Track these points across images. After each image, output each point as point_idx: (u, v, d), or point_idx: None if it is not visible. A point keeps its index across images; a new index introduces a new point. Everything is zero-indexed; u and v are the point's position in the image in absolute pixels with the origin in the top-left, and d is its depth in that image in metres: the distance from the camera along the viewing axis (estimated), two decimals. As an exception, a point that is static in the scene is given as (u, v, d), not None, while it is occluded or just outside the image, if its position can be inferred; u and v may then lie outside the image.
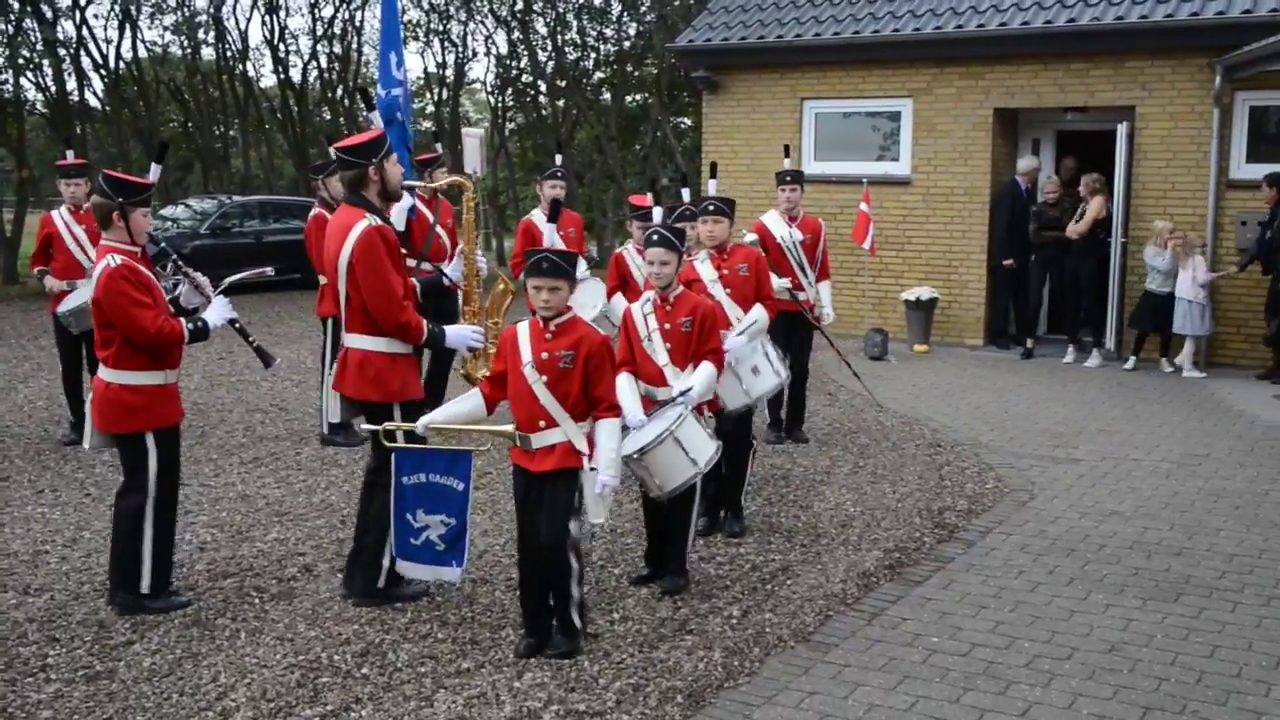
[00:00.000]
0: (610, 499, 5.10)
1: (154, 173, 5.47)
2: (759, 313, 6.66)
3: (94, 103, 25.92)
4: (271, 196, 23.88)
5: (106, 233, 5.28)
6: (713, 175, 7.11)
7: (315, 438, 8.96)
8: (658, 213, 6.36)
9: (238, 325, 5.56)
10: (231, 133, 27.85)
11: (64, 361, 8.88)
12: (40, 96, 24.61)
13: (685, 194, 7.08)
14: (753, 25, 15.38)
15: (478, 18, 27.57)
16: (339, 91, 28.24)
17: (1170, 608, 5.61)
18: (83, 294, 8.41)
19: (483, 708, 4.51)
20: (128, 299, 5.12)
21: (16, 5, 21.51)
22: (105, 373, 5.30)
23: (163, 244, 5.53)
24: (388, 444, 5.28)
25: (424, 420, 5.18)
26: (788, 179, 8.58)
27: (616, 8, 26.69)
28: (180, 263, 5.55)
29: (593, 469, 4.95)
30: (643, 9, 25.69)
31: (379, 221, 5.29)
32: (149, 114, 26.04)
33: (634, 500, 6.79)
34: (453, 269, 5.97)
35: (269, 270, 6.18)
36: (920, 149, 14.31)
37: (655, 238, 5.79)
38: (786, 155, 9.73)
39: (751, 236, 8.20)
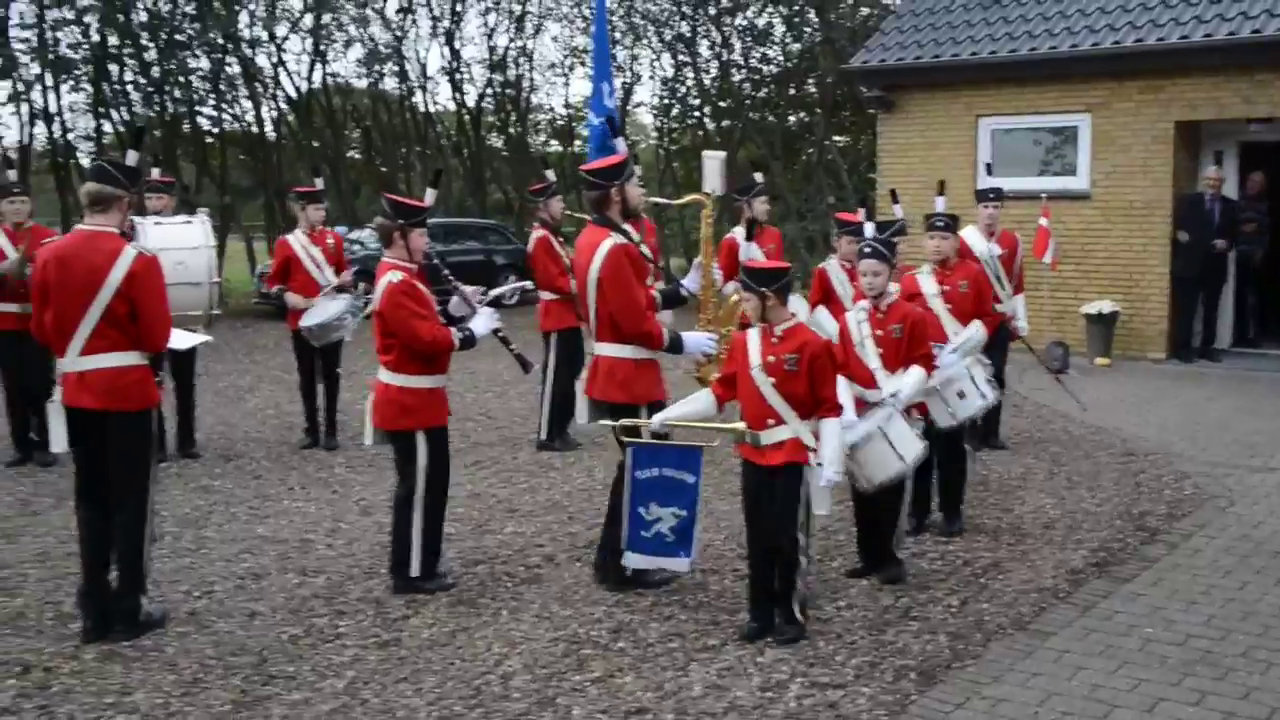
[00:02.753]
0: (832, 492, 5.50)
1: (430, 197, 6.11)
2: (975, 329, 6.97)
3: (282, 130, 27.37)
4: (449, 219, 24.89)
5: (388, 251, 5.92)
6: (940, 193, 7.46)
7: (528, 443, 9.57)
8: (869, 228, 6.77)
9: (500, 334, 6.13)
10: (412, 158, 29.08)
11: (301, 372, 9.61)
12: (236, 126, 26.15)
13: (899, 210, 7.45)
14: (927, 45, 15.66)
15: (644, 41, 28.30)
16: (511, 117, 29.26)
17: (1384, 606, 5.77)
18: (322, 310, 9.16)
19: (734, 678, 4.97)
20: (407, 311, 5.74)
21: (221, 40, 23.00)
22: (385, 375, 5.92)
23: (436, 260, 6.14)
24: (626, 439, 5.75)
25: (658, 418, 5.66)
26: (990, 196, 8.88)
27: (780, 29, 27.15)
28: (451, 277, 6.15)
29: (818, 464, 5.37)
30: (807, 30, 26.06)
31: (623, 239, 5.81)
32: (335, 140, 27.41)
33: (840, 502, 7.17)
34: (690, 280, 6.46)
35: (528, 284, 6.74)
36: (1099, 163, 14.37)
37: (868, 250, 6.21)
38: (990, 173, 10.04)
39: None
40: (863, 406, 6.13)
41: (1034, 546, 6.78)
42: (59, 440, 5.42)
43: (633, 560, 5.83)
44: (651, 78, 29.62)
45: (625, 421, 5.75)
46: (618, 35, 28.17)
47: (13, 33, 21.59)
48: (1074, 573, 6.32)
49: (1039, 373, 11.14)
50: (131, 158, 5.59)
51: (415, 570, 5.98)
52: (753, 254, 8.75)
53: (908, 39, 15.96)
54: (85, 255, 5.24)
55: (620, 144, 6.32)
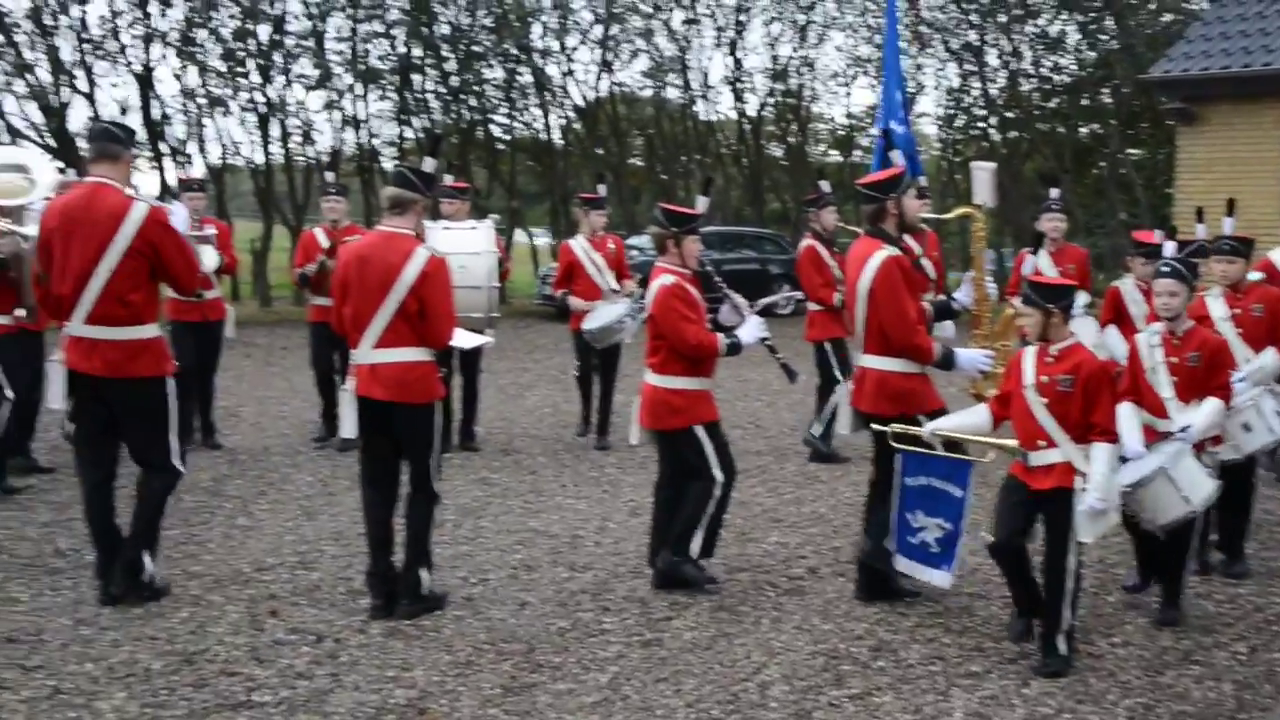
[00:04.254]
0: (1104, 522, 5.26)
1: (701, 204, 6.23)
2: (1268, 357, 6.53)
3: (569, 137, 28.32)
4: (725, 227, 25.14)
5: (662, 257, 6.08)
6: (1229, 213, 7.08)
7: (795, 454, 9.57)
8: (1169, 247, 6.45)
9: (768, 343, 6.18)
10: (692, 166, 29.53)
11: (580, 370, 9.93)
12: (526, 133, 27.29)
13: (1201, 230, 7.07)
14: (1235, 53, 14.76)
15: (929, 50, 27.80)
16: (791, 126, 29.31)
17: None
18: (603, 313, 9.42)
19: (997, 708, 4.83)
20: (677, 314, 5.87)
21: (515, 51, 24.07)
22: (652, 377, 6.07)
23: (708, 267, 6.25)
24: (895, 445, 5.70)
25: (930, 426, 5.61)
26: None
27: (1074, 36, 26.13)
28: (723, 284, 6.25)
29: (1083, 489, 5.16)
30: (1103, 37, 24.98)
31: (896, 252, 5.75)
32: (619, 148, 28.16)
33: (1118, 535, 6.87)
34: (962, 294, 6.34)
35: (797, 294, 6.74)
36: None
37: (1166, 269, 5.91)
38: None
39: (1256, 275, 8.00)
40: (1151, 436, 5.85)
41: (1338, 596, 6.29)
42: (349, 427, 5.80)
43: (901, 564, 5.85)
44: (936, 88, 28.95)
45: (897, 427, 5.72)
46: (902, 45, 27.78)
47: (329, 45, 23.27)
48: (1385, 629, 5.83)
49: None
50: (429, 164, 5.94)
51: (696, 550, 6.09)
52: (1042, 269, 8.49)
53: (1213, 47, 15.09)
54: (383, 255, 5.60)
55: (897, 156, 6.27)
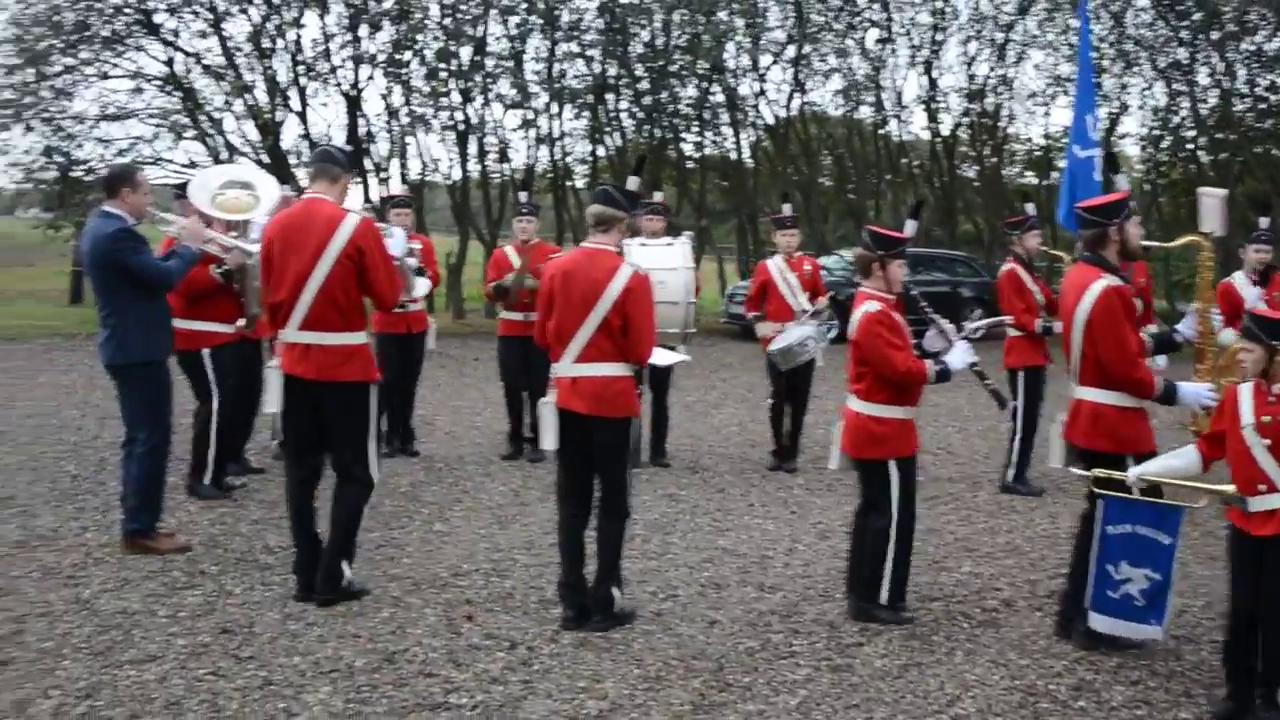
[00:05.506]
0: None
1: (909, 228, 6.15)
2: None
3: (758, 156, 28.30)
4: (916, 249, 24.70)
5: (866, 281, 6.02)
6: None
7: (988, 482, 9.33)
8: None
9: (976, 368, 6.05)
10: (883, 187, 29.13)
11: (774, 395, 9.88)
12: (715, 151, 27.41)
13: None
14: None
15: (1135, 68, 26.78)
16: (986, 149, 28.63)
17: None
18: (787, 335, 9.37)
19: (1208, 758, 4.61)
20: (883, 340, 5.80)
21: (708, 70, 24.23)
22: (855, 403, 6.01)
23: (914, 292, 6.16)
24: (1098, 490, 5.49)
25: (1135, 471, 5.37)
26: None
27: (1295, 54, 24.82)
28: (929, 309, 6.14)
29: None
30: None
31: (1117, 281, 5.53)
32: (808, 167, 28.00)
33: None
34: (1185, 326, 6.09)
35: (1008, 319, 6.62)
36: None
37: None
38: None
39: None
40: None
41: None
42: (549, 439, 5.91)
43: (1097, 622, 5.55)
44: (1141, 107, 27.81)
45: (1099, 471, 5.50)
46: (1105, 63, 26.86)
47: (527, 66, 23.86)
48: None
49: None
50: (632, 183, 6.04)
51: (884, 597, 6.01)
52: (1246, 300, 8.09)
53: None
54: (587, 271, 5.71)
55: (1122, 181, 6.06)
